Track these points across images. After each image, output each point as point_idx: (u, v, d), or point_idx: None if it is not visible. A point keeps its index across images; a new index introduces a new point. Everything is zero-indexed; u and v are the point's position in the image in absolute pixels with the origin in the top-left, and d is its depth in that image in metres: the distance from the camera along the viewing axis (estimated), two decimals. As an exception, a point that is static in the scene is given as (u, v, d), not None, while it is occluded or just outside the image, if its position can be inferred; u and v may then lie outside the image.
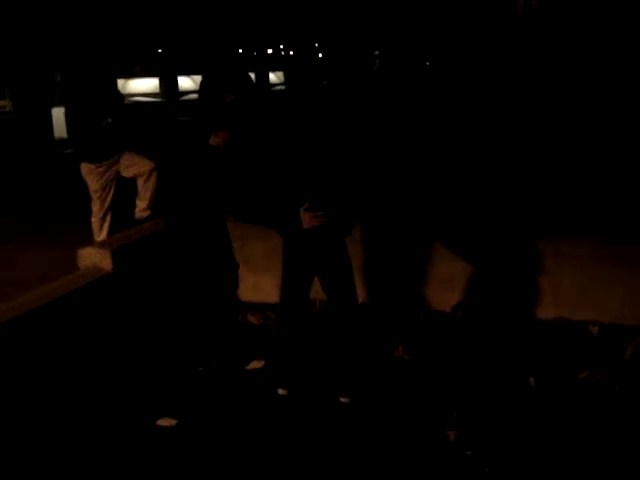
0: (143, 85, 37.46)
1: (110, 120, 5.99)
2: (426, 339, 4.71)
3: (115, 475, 3.40)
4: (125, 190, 6.31)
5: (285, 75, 46.95)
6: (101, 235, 6.05)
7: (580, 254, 4.78)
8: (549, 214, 6.91)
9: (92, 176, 6.10)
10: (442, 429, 3.66)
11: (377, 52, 50.19)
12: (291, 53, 50.58)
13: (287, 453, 3.54)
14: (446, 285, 5.06)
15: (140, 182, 6.23)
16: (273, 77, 45.80)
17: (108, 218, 6.15)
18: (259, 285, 5.40)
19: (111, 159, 6.11)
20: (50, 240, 7.08)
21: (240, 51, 38.38)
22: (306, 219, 3.92)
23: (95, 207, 6.16)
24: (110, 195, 6.18)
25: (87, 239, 6.00)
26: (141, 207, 6.22)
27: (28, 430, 3.53)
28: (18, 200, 9.92)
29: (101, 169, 6.09)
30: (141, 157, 6.23)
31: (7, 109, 15.00)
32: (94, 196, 6.14)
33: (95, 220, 6.15)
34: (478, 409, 3.83)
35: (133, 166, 6.18)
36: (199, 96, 7.64)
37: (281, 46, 49.15)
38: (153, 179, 6.21)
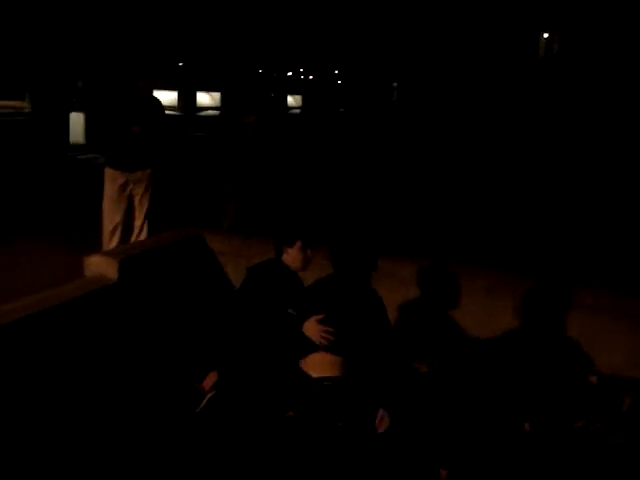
0: (162, 98, 37.77)
1: (139, 128, 5.98)
2: (423, 374, 4.70)
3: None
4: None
5: (303, 99, 47.21)
6: (110, 245, 6.06)
7: (583, 304, 4.77)
8: (552, 262, 6.95)
9: (112, 183, 6.11)
10: (435, 467, 3.64)
11: (396, 84, 50.47)
12: (310, 77, 50.86)
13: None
14: (449, 324, 5.06)
15: (135, 233, 6.33)
16: (291, 100, 46.07)
17: (119, 230, 6.16)
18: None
19: (137, 172, 6.11)
20: (58, 246, 7.11)
21: (260, 71, 38.69)
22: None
23: (107, 217, 6.16)
24: (124, 207, 6.19)
25: (98, 247, 6.03)
26: None
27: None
28: (32, 204, 9.98)
29: (123, 178, 6.09)
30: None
31: (26, 110, 15.09)
32: (108, 204, 6.14)
33: (106, 230, 6.16)
34: (472, 450, 3.81)
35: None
36: (221, 115, 7.75)
37: (301, 70, 49.45)
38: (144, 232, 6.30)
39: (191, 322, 4.85)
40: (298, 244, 4.02)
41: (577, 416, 4.19)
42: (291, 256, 4.03)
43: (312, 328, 3.58)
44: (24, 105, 15.21)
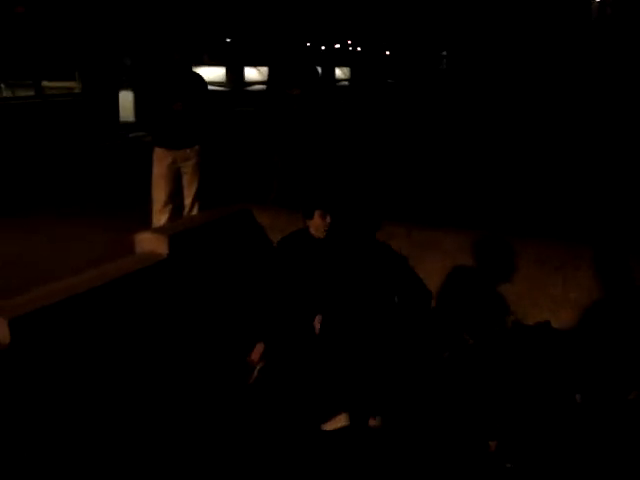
0: (210, 74, 37.87)
1: (180, 105, 6.00)
2: (473, 346, 4.68)
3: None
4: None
5: (351, 71, 46.85)
6: (160, 223, 6.11)
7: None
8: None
9: (160, 162, 6.16)
10: (484, 439, 3.63)
11: (445, 52, 49.73)
12: (358, 49, 50.40)
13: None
14: (499, 295, 5.02)
15: (185, 211, 6.37)
16: (339, 72, 45.78)
17: (168, 209, 6.21)
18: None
19: (185, 149, 6.15)
20: (111, 223, 7.23)
21: (308, 45, 38.49)
22: None
23: (156, 196, 6.22)
24: (173, 186, 6.23)
25: (148, 224, 6.12)
26: None
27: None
28: (84, 182, 10.15)
29: (171, 156, 6.14)
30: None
31: (76, 91, 15.27)
32: (156, 183, 6.20)
33: (155, 208, 6.22)
34: (521, 421, 3.79)
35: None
36: (267, 88, 7.77)
37: (349, 42, 49.01)
38: (195, 210, 6.33)
39: (240, 296, 4.89)
40: (317, 213, 4.19)
41: (629, 387, 4.13)
42: (313, 226, 4.23)
43: None
44: (74, 85, 15.36)
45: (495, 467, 3.44)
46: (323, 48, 42.77)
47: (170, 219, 6.15)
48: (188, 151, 6.16)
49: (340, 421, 3.70)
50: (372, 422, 3.76)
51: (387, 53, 52.33)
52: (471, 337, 4.76)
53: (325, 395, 3.81)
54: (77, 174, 10.86)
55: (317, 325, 3.92)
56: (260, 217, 5.64)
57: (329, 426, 3.71)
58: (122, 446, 3.47)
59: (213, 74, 37.24)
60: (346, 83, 43.29)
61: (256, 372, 4.14)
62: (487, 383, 4.16)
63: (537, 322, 4.86)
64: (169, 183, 6.17)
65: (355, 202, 4.26)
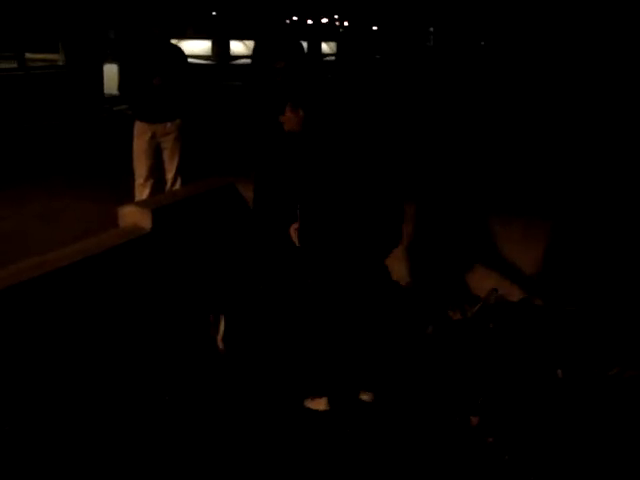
0: (195, 47, 37.47)
1: (159, 79, 5.98)
2: (457, 321, 4.71)
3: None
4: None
5: (338, 46, 46.56)
6: (142, 197, 6.10)
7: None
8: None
9: (141, 136, 6.14)
10: (465, 414, 3.66)
11: (432, 29, 49.52)
12: (345, 24, 50.09)
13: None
14: (483, 270, 5.04)
15: (168, 185, 6.33)
16: (326, 47, 45.47)
17: (149, 183, 6.20)
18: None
19: (165, 123, 6.12)
20: (99, 195, 7.19)
21: (295, 19, 38.24)
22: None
23: (137, 170, 6.21)
24: (154, 160, 6.21)
25: (132, 197, 6.10)
26: None
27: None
28: (69, 155, 10.07)
29: (150, 131, 6.11)
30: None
31: (59, 63, 15.08)
32: (137, 157, 6.18)
33: (137, 182, 6.21)
34: (503, 397, 3.81)
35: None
36: (252, 62, 7.69)
37: (336, 16, 48.69)
38: (178, 184, 6.30)
39: (223, 268, 4.90)
40: (288, 107, 4.03)
41: (611, 363, 4.16)
42: (287, 121, 4.04)
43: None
44: (58, 58, 15.16)
45: (477, 442, 3.46)
46: (310, 22, 42.48)
47: (152, 193, 6.14)
48: (169, 125, 6.14)
49: (320, 404, 3.73)
50: (364, 396, 3.80)
51: (374, 28, 52.02)
52: (454, 313, 4.79)
53: (304, 364, 3.87)
54: (62, 147, 10.77)
55: (293, 234, 3.83)
56: (245, 191, 5.62)
57: (310, 405, 3.74)
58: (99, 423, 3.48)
59: (198, 47, 36.94)
60: (332, 58, 42.98)
61: (220, 344, 4.21)
62: (470, 358, 4.18)
63: (520, 298, 4.89)
64: (149, 157, 6.16)
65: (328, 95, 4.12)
